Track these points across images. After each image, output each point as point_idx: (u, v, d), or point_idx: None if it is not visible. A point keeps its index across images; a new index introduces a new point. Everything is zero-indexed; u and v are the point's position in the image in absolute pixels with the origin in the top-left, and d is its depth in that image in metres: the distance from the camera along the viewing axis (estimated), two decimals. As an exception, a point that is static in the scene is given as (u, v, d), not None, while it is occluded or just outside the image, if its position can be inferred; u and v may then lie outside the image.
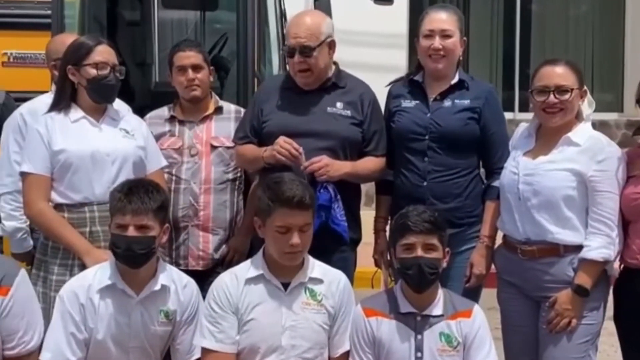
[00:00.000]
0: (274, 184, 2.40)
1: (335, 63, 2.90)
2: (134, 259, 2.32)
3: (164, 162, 2.90)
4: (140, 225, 2.31)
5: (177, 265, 3.00)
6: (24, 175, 2.61)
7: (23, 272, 2.26)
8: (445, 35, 2.78)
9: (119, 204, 2.32)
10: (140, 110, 3.18)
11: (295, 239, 2.33)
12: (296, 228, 2.34)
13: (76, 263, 2.57)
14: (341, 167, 2.73)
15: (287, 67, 2.98)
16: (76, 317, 2.32)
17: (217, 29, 5.65)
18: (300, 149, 2.68)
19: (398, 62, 7.26)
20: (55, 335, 2.32)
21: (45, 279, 2.59)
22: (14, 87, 3.42)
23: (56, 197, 2.61)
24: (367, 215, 2.97)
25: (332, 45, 2.83)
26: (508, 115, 7.34)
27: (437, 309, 2.44)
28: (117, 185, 2.44)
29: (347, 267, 2.72)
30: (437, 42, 2.78)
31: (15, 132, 2.92)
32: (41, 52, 3.18)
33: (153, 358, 2.43)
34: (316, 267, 2.47)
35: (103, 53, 2.64)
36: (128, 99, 4.40)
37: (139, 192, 2.32)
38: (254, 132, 2.88)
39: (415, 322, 2.42)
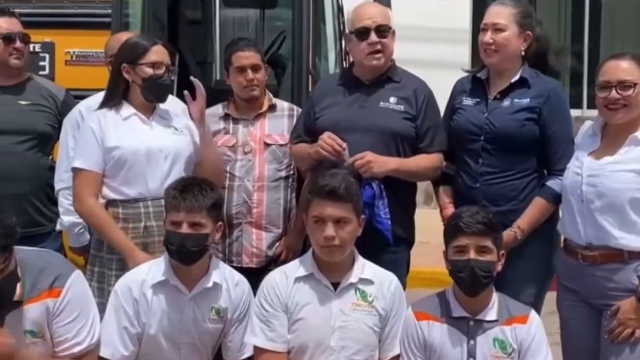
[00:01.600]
0: (317, 177, 2.39)
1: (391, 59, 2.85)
2: (186, 255, 2.34)
3: None
4: (194, 223, 2.32)
5: (231, 262, 3.02)
6: (75, 171, 2.66)
7: (76, 274, 2.29)
8: (497, 29, 2.69)
9: (174, 201, 2.34)
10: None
11: (329, 230, 2.30)
12: (330, 219, 2.31)
13: None
14: (386, 163, 2.68)
15: (346, 61, 2.95)
16: (129, 311, 2.35)
17: (276, 27, 5.66)
18: (344, 145, 2.64)
19: (460, 59, 7.10)
20: (109, 329, 2.36)
21: (102, 274, 2.62)
22: (76, 85, 3.50)
23: (110, 193, 2.65)
24: (426, 214, 2.91)
25: (393, 36, 2.81)
26: (576, 112, 7.10)
27: (491, 314, 2.36)
28: (172, 182, 2.47)
29: (397, 268, 2.66)
30: (488, 36, 2.69)
31: (73, 129, 2.99)
32: (102, 50, 3.24)
33: (204, 354, 2.44)
34: (367, 268, 2.44)
35: (159, 53, 2.67)
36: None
37: (193, 189, 2.34)
38: (307, 131, 2.87)
39: (468, 327, 2.35)
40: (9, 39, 3.06)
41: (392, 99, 2.79)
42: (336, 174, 2.41)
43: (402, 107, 2.78)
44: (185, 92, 2.72)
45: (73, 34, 3.74)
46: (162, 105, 2.77)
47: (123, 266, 2.57)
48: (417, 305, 2.45)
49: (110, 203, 2.65)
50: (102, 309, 2.42)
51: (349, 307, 2.37)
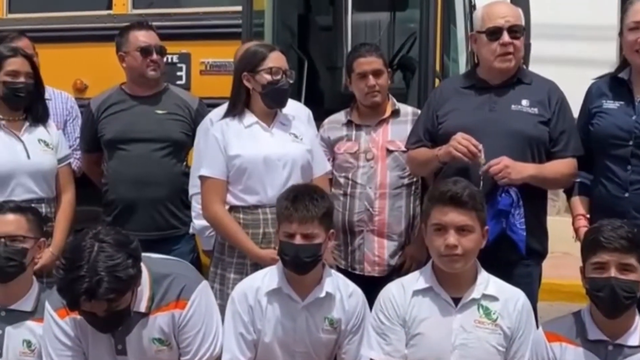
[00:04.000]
0: (437, 183, 2.29)
1: None
2: (301, 266, 2.34)
3: (329, 167, 2.91)
4: (307, 234, 2.32)
5: (353, 269, 3.00)
6: (202, 178, 2.75)
7: (202, 286, 2.32)
8: None
9: (286, 212, 2.34)
10: (329, 114, 3.21)
11: (451, 238, 2.19)
12: (451, 227, 2.21)
13: (249, 263, 2.66)
14: (524, 169, 2.52)
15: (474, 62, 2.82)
16: (245, 317, 2.38)
17: (408, 29, 5.57)
18: (480, 146, 2.51)
19: (607, 56, 6.62)
20: (227, 335, 2.40)
21: (223, 277, 2.70)
22: (210, 94, 3.63)
23: (232, 200, 2.72)
24: (567, 223, 2.70)
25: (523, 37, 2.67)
26: None
27: (633, 339, 2.15)
28: (283, 192, 2.48)
29: (531, 283, 2.51)
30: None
31: (205, 136, 3.09)
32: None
33: (319, 365, 2.43)
34: (491, 283, 2.30)
35: (276, 59, 2.71)
36: (317, 103, 4.54)
37: (304, 199, 2.33)
38: (429, 135, 2.77)
39: (606, 352, 2.16)
40: (146, 51, 3.22)
41: (525, 102, 2.63)
42: (459, 180, 2.30)
43: (535, 110, 2.62)
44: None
45: (207, 45, 3.87)
46: (291, 109, 2.80)
47: (242, 270, 2.62)
48: (549, 325, 2.28)
49: (232, 209, 2.72)
50: (222, 310, 2.48)
51: (471, 324, 2.25)
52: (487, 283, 2.30)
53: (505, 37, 2.58)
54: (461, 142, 2.51)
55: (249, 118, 2.75)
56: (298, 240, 2.32)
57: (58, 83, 3.69)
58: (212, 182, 2.70)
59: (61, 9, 4.14)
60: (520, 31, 2.61)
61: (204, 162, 2.77)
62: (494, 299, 2.28)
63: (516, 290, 2.32)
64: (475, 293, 2.27)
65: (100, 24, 4.00)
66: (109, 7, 4.06)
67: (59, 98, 3.59)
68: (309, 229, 2.32)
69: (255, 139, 2.71)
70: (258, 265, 2.61)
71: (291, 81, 2.77)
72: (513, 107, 2.62)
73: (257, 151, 2.68)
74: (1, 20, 4.16)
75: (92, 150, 3.37)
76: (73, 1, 4.16)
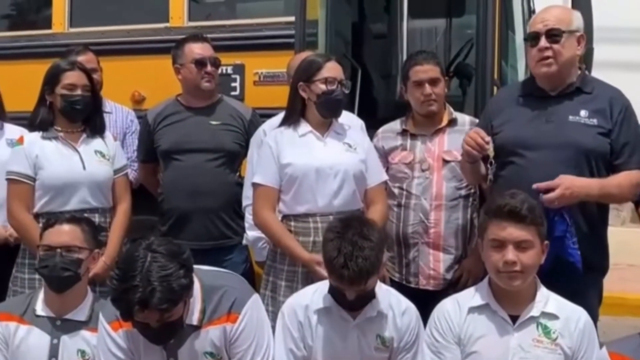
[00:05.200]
0: (494, 197, 2.21)
1: (580, 68, 2.58)
2: (355, 309, 2.29)
3: (385, 177, 2.86)
4: (360, 290, 2.22)
5: (408, 282, 2.93)
6: (255, 186, 2.75)
7: (253, 299, 2.30)
8: None
9: (337, 272, 2.17)
10: (383, 123, 3.16)
11: (510, 255, 2.10)
12: (510, 242, 2.12)
13: (300, 271, 2.64)
14: (583, 190, 2.38)
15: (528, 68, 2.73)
16: (295, 333, 2.35)
17: (465, 35, 5.46)
18: (487, 138, 2.46)
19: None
20: (277, 349, 2.37)
21: (275, 284, 2.69)
22: (264, 105, 3.64)
23: (284, 209, 2.72)
24: (629, 234, 2.57)
25: (580, 41, 2.53)
26: None
27: None
28: (329, 240, 2.24)
29: (589, 299, 2.38)
30: None
31: (258, 147, 3.10)
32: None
33: (372, 382, 2.36)
34: (551, 301, 2.20)
35: (332, 69, 2.70)
36: (371, 111, 4.49)
37: (357, 259, 2.14)
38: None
39: (678, 376, 2.02)
40: (201, 63, 3.25)
41: (583, 112, 2.50)
42: (516, 193, 2.21)
43: (594, 121, 2.48)
44: None
45: (261, 56, 3.88)
46: (344, 119, 2.78)
47: (292, 277, 2.61)
48: (614, 345, 2.15)
49: (285, 218, 2.71)
50: (273, 317, 2.46)
51: (529, 343, 2.15)
52: (547, 300, 2.20)
53: (542, 41, 2.48)
54: (471, 136, 2.49)
55: (304, 127, 2.75)
56: (351, 295, 2.23)
57: (117, 95, 3.78)
58: (264, 189, 2.70)
59: (120, 22, 4.23)
60: (560, 35, 2.48)
61: (257, 169, 2.77)
62: (553, 317, 2.18)
63: (577, 308, 2.22)
64: (534, 311, 2.18)
65: (158, 36, 4.07)
66: (166, 20, 4.13)
67: (119, 112, 3.68)
68: (361, 286, 2.21)
69: (308, 148, 2.70)
70: (308, 273, 2.59)
71: (346, 91, 2.75)
72: (570, 118, 2.50)
73: (309, 160, 2.67)
74: (63, 34, 4.29)
75: (148, 160, 3.42)
76: (131, 15, 4.25)
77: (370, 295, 2.28)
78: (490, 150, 2.46)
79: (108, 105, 3.66)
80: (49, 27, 4.33)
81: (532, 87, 2.62)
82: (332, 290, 2.31)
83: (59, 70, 2.87)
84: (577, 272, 2.40)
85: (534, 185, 2.36)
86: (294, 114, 2.76)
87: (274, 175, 2.69)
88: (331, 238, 2.23)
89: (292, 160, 2.67)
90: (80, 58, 3.51)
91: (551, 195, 2.35)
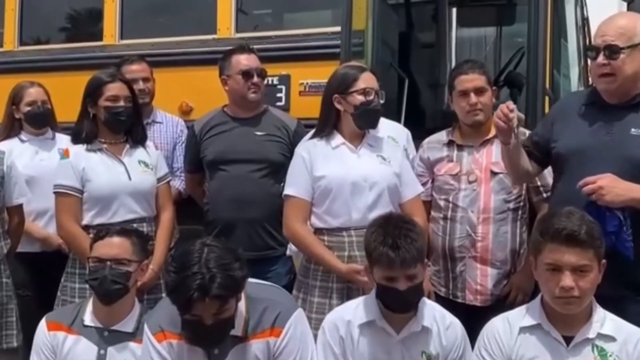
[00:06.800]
0: (549, 216, 2.12)
1: None
2: (406, 309, 2.25)
3: (420, 189, 2.80)
4: (410, 275, 2.19)
5: (455, 297, 2.86)
6: (286, 197, 2.73)
7: (297, 313, 2.28)
8: None
9: (385, 259, 2.17)
10: (431, 133, 3.11)
11: (567, 280, 2.01)
12: (568, 267, 2.02)
13: (335, 287, 2.59)
14: (625, 192, 2.28)
15: (590, 79, 2.62)
16: (336, 349, 2.30)
17: (516, 43, 5.36)
18: (512, 106, 2.41)
19: None
20: (318, 364, 2.33)
21: (305, 300, 2.65)
22: (309, 115, 3.62)
23: (316, 222, 2.68)
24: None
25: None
26: None
27: None
28: (372, 231, 2.27)
29: None
30: None
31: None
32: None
33: (417, 398, 2.30)
34: (607, 321, 2.11)
35: (368, 80, 2.67)
36: (418, 121, 4.43)
37: (403, 240, 2.17)
38: (539, 150, 2.59)
39: None
40: (247, 74, 3.26)
41: None
42: (573, 213, 2.10)
43: None
44: None
45: (307, 66, 3.88)
46: (372, 131, 2.74)
47: (326, 293, 2.57)
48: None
49: (316, 231, 2.67)
50: None
51: (584, 365, 2.06)
52: (604, 321, 2.10)
53: (600, 57, 2.38)
54: (502, 110, 2.43)
55: (337, 139, 2.71)
56: (402, 285, 2.18)
57: (165, 105, 3.83)
58: (297, 201, 2.67)
59: (169, 34, 4.29)
60: (618, 51, 2.35)
61: (289, 181, 2.75)
62: (611, 339, 2.08)
63: (636, 330, 2.11)
64: (590, 332, 2.09)
65: (206, 47, 4.11)
66: (214, 31, 4.16)
67: (170, 122, 3.72)
68: (411, 270, 2.18)
69: (341, 160, 2.66)
70: (343, 289, 2.55)
71: (382, 101, 2.71)
72: (633, 131, 2.38)
73: (343, 172, 2.63)
74: (113, 46, 4.38)
75: (194, 170, 3.43)
76: (180, 27, 4.31)
77: (420, 292, 2.22)
78: (515, 121, 2.41)
79: (159, 115, 3.71)
80: (100, 39, 4.43)
81: (596, 97, 2.50)
82: (379, 292, 2.25)
83: (101, 82, 2.89)
84: (629, 265, 2.28)
85: (580, 183, 2.28)
86: (327, 126, 2.72)
87: (306, 187, 2.66)
88: (373, 230, 2.25)
89: (325, 172, 2.64)
90: (134, 67, 3.59)
91: (588, 187, 2.27)
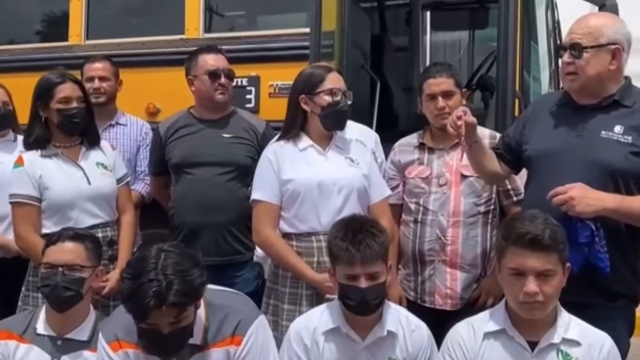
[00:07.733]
0: (512, 219, 2.08)
1: (626, 77, 2.40)
2: (368, 310, 2.19)
3: (388, 192, 2.76)
4: (371, 274, 2.15)
5: (423, 302, 2.81)
6: (254, 202, 2.65)
7: (259, 321, 2.21)
8: None
9: (346, 254, 2.15)
10: (404, 136, 3.06)
11: (531, 285, 1.97)
12: (531, 272, 1.98)
13: (304, 293, 2.53)
14: (596, 201, 2.20)
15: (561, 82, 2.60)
16: (302, 357, 2.24)
17: (488, 48, 5.36)
18: (459, 112, 2.40)
19: None
20: (283, 374, 2.27)
21: (276, 307, 2.59)
22: (279, 117, 3.55)
23: (284, 227, 2.61)
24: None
25: (616, 55, 2.33)
26: None
27: None
28: (335, 229, 2.26)
29: (614, 329, 2.20)
30: None
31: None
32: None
33: (385, 405, 2.24)
34: (573, 326, 2.07)
35: (335, 80, 2.62)
36: (390, 124, 4.39)
37: (364, 237, 2.15)
38: (510, 152, 2.55)
39: None
40: (214, 75, 3.18)
41: (618, 128, 2.30)
42: (536, 216, 2.05)
43: (629, 139, 2.28)
44: None
45: (276, 67, 3.83)
46: (340, 133, 2.68)
47: (295, 300, 2.50)
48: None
49: (285, 236, 2.61)
50: (277, 343, 2.35)
51: (549, 370, 2.02)
52: (568, 326, 2.07)
53: (565, 55, 2.34)
54: (451, 118, 2.45)
55: (304, 141, 2.65)
56: (363, 283, 2.14)
57: (131, 107, 3.74)
58: (265, 206, 2.61)
59: (135, 34, 4.21)
60: (582, 50, 2.30)
61: (257, 185, 2.68)
62: (575, 343, 2.04)
63: (602, 335, 2.08)
64: (555, 337, 2.05)
65: (173, 48, 4.04)
66: (182, 32, 4.09)
67: (134, 124, 3.62)
68: (373, 268, 2.14)
69: (309, 163, 2.60)
70: (312, 295, 2.49)
71: (350, 102, 2.65)
72: (603, 133, 2.31)
73: (311, 175, 2.57)
74: (79, 46, 4.29)
75: (159, 173, 3.34)
76: (147, 27, 4.24)
77: (382, 293, 2.18)
78: (463, 128, 2.42)
79: (123, 117, 3.61)
80: (66, 39, 4.33)
81: (570, 97, 2.44)
82: (341, 293, 2.20)
83: (51, 83, 2.76)
84: (606, 278, 2.23)
85: (551, 193, 2.22)
86: (294, 128, 2.66)
87: (274, 190, 2.60)
88: (337, 227, 2.24)
89: (293, 175, 2.58)
90: (95, 65, 3.50)
91: (559, 198, 2.20)
